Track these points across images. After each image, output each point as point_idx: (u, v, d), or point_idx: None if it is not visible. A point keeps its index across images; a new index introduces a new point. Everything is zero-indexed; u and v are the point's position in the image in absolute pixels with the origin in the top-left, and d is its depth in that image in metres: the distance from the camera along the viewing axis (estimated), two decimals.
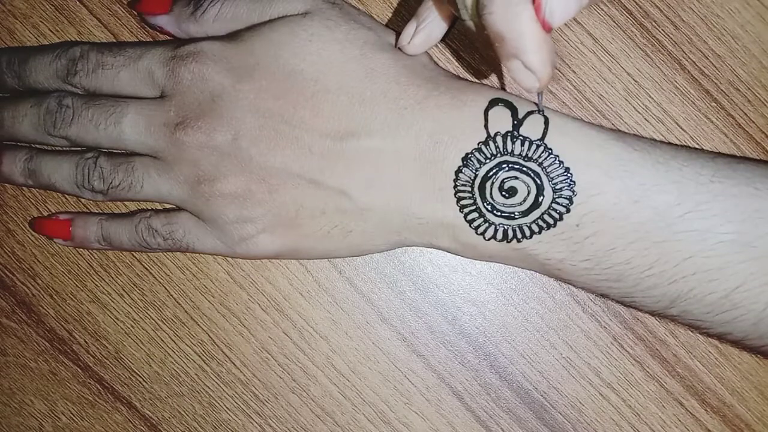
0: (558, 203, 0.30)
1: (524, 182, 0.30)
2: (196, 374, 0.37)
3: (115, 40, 0.37)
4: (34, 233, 0.37)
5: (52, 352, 0.37)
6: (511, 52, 0.22)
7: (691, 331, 0.35)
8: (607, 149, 0.30)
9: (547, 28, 0.22)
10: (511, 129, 0.30)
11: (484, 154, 0.30)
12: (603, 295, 0.33)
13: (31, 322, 0.37)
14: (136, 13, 0.36)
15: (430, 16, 0.31)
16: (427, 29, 0.31)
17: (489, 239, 0.31)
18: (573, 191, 0.30)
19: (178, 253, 0.37)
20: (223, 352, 0.37)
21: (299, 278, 0.37)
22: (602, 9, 0.35)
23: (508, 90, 0.35)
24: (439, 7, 0.30)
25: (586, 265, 0.31)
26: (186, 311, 0.37)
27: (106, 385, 0.37)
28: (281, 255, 0.34)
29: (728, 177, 0.29)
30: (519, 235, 0.31)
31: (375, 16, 0.35)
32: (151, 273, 0.37)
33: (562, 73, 0.35)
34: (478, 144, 0.30)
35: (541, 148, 0.30)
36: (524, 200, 0.30)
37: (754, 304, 0.29)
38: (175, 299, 0.37)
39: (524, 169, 0.30)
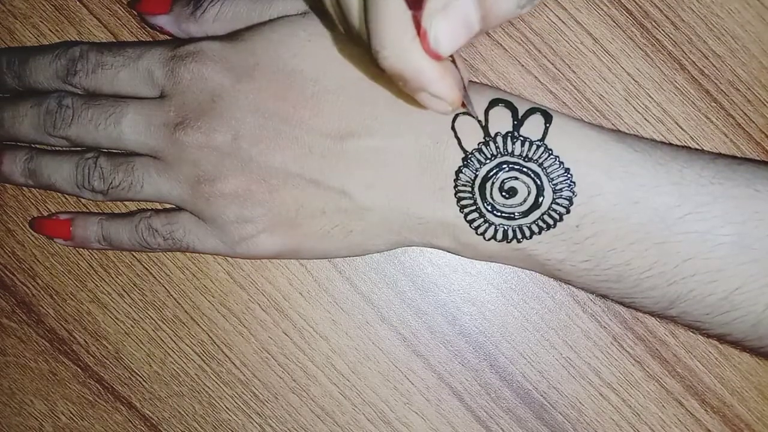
0: (558, 204, 0.30)
1: (524, 183, 0.30)
2: (196, 374, 0.37)
3: (115, 40, 0.37)
4: (34, 233, 0.37)
5: (52, 352, 0.37)
6: (416, 86, 0.22)
7: (691, 332, 0.35)
8: (608, 150, 0.30)
9: (435, 57, 0.21)
10: (511, 129, 0.30)
11: (485, 155, 0.30)
12: (603, 296, 0.33)
13: (31, 322, 0.37)
14: (136, 13, 0.36)
15: None
16: None
17: (489, 239, 0.31)
18: (573, 192, 0.30)
19: (178, 253, 0.37)
20: (223, 352, 0.37)
21: (299, 278, 0.37)
22: (602, 9, 0.35)
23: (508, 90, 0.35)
24: None
25: (586, 266, 0.31)
26: (186, 311, 0.37)
27: (106, 385, 0.37)
28: (281, 255, 0.34)
29: (728, 179, 0.29)
30: (519, 236, 0.31)
31: None
32: (151, 273, 0.37)
33: (562, 73, 0.35)
34: (478, 144, 0.30)
35: (542, 149, 0.30)
36: (524, 201, 0.30)
37: (754, 306, 0.29)
38: (175, 299, 0.37)
39: (524, 169, 0.30)
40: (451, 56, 0.23)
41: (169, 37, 0.35)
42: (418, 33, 0.21)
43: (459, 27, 0.21)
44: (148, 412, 0.37)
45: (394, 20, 0.21)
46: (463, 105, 0.24)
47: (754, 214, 0.29)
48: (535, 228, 0.30)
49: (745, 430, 0.36)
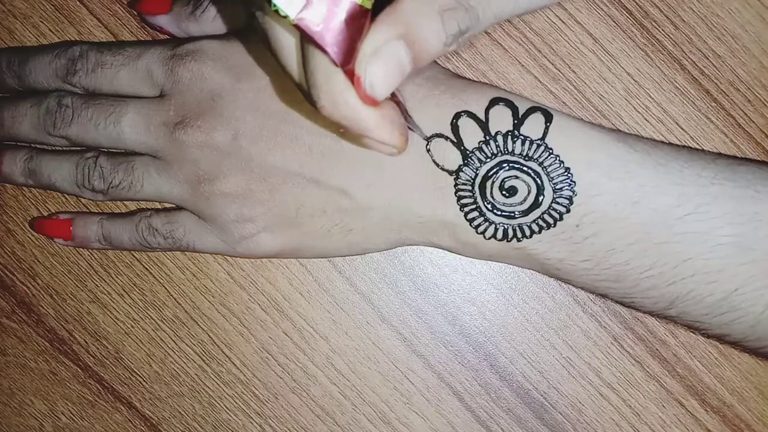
0: (558, 203, 0.30)
1: (524, 182, 0.30)
2: (196, 374, 0.37)
3: (115, 40, 0.37)
4: (34, 233, 0.37)
5: (52, 352, 0.37)
6: (356, 134, 0.22)
7: (691, 332, 0.35)
8: (608, 150, 0.30)
9: (372, 102, 0.21)
10: (511, 128, 0.30)
11: (485, 153, 0.30)
12: (602, 295, 0.33)
13: (31, 322, 0.37)
14: (136, 13, 0.36)
15: None
16: None
17: (489, 238, 0.31)
18: (573, 191, 0.30)
19: (178, 253, 0.37)
20: (223, 352, 0.37)
21: (299, 278, 0.37)
22: (602, 9, 0.35)
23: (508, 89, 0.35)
24: None
25: (586, 266, 0.31)
26: (186, 311, 0.37)
27: (106, 385, 0.37)
28: (282, 254, 0.34)
29: (729, 179, 0.29)
30: (519, 235, 0.31)
31: None
32: (151, 273, 0.37)
33: (562, 73, 0.35)
34: (478, 143, 0.30)
35: (542, 148, 0.30)
36: (524, 200, 0.30)
37: (753, 307, 0.29)
38: (175, 299, 0.37)
39: (525, 168, 0.30)
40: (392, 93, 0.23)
41: (168, 37, 0.35)
42: (352, 83, 0.21)
43: (392, 69, 0.21)
44: (148, 412, 0.37)
45: (329, 73, 0.21)
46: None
47: (754, 215, 0.29)
48: (535, 227, 0.30)
49: (745, 430, 0.36)
